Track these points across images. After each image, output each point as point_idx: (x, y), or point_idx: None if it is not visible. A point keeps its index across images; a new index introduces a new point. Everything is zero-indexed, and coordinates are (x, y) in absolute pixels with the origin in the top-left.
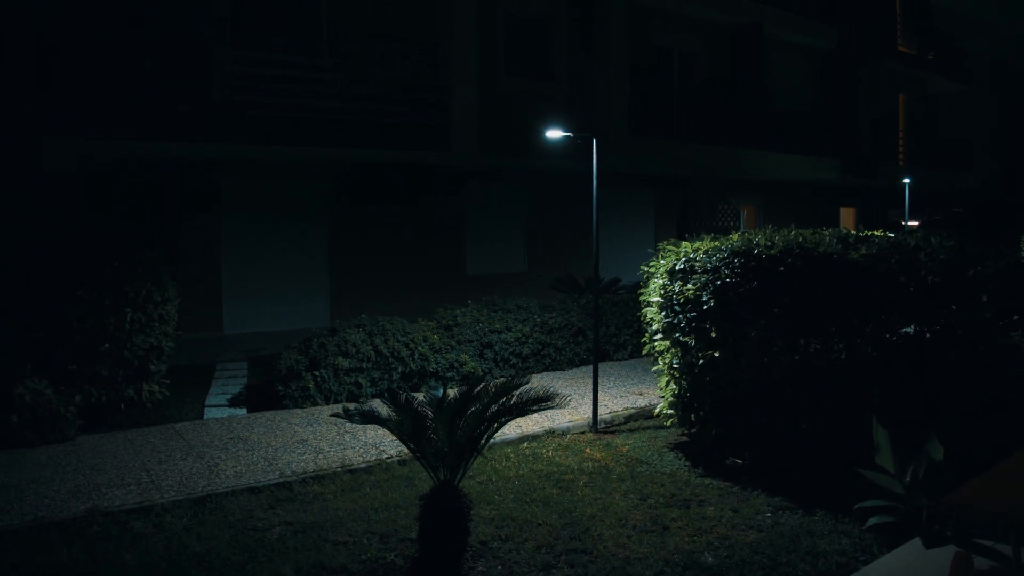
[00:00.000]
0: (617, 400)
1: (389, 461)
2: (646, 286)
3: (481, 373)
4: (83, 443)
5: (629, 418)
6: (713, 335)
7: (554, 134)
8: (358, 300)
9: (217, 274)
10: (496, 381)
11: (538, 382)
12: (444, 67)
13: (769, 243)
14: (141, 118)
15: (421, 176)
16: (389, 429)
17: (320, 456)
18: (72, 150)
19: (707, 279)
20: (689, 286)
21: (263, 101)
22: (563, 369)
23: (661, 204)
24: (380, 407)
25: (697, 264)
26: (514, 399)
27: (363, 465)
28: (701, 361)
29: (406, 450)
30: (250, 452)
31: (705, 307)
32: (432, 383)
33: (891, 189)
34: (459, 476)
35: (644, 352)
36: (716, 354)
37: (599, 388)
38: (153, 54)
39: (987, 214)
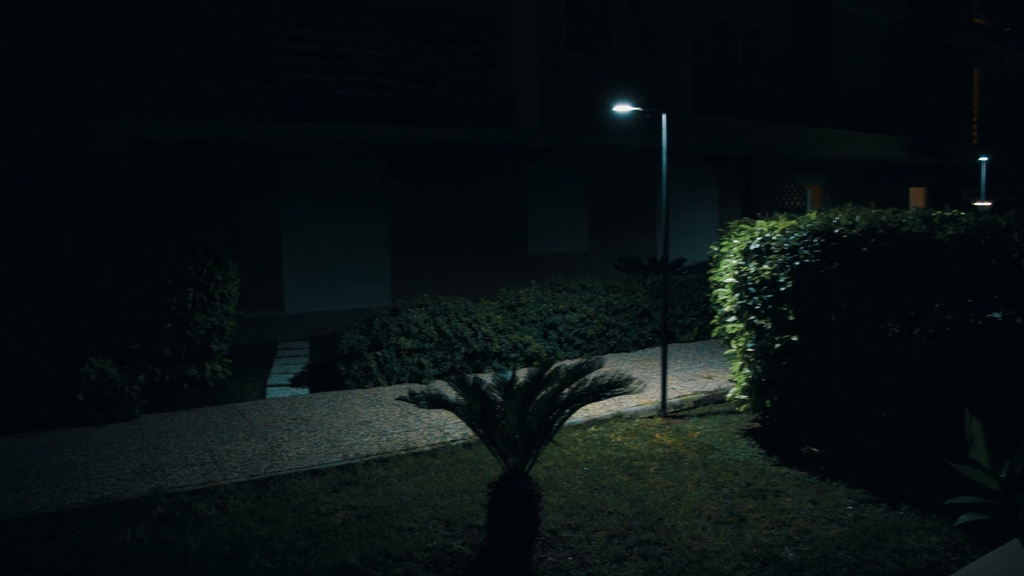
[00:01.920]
0: (685, 384)
1: (454, 444)
2: (716, 266)
3: (545, 354)
4: (147, 422)
5: (698, 402)
6: (791, 318)
7: (622, 108)
8: (419, 280)
9: (277, 254)
10: (566, 364)
11: (606, 365)
12: (503, 44)
13: (850, 222)
14: (198, 98)
15: (481, 155)
16: (457, 414)
17: (384, 438)
18: (128, 134)
19: (784, 259)
20: (765, 267)
21: (320, 79)
22: (628, 351)
23: (725, 184)
24: (445, 389)
25: (773, 244)
26: (588, 384)
27: (428, 448)
28: (777, 345)
29: (471, 433)
30: (312, 433)
31: (782, 289)
32: (496, 364)
33: (962, 168)
34: (529, 463)
35: (713, 335)
36: (794, 338)
37: (595, 361)
38: (210, 32)
39: None
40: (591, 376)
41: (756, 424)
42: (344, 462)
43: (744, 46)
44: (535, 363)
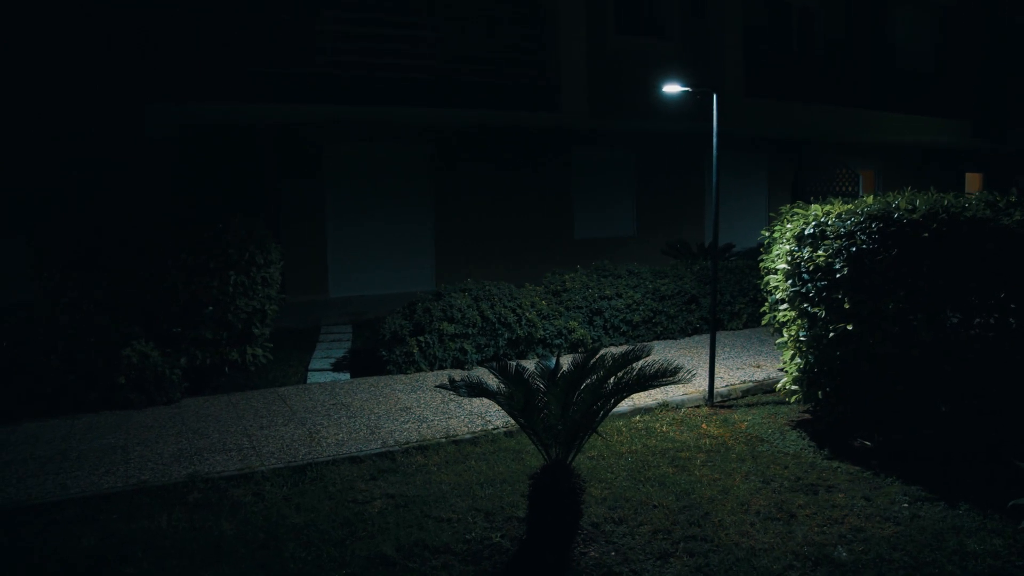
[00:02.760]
0: (733, 372)
1: (495, 432)
2: (768, 252)
3: (590, 341)
4: (187, 406)
5: (746, 392)
6: (846, 306)
7: (671, 88)
8: (463, 264)
9: (322, 237)
10: (612, 351)
11: (653, 352)
12: (551, 25)
13: (910, 206)
14: (243, 80)
15: (526, 139)
16: (498, 403)
17: (424, 425)
18: (176, 117)
19: (840, 245)
20: (820, 252)
21: (365, 62)
22: (675, 338)
23: (774, 169)
24: (487, 376)
25: (829, 229)
26: (635, 373)
27: (468, 436)
28: (831, 334)
29: (513, 421)
30: (352, 419)
31: (838, 275)
32: (540, 350)
33: (1021, 153)
34: (572, 454)
35: (763, 322)
36: (849, 327)
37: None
38: (255, 15)
39: None
40: (638, 364)
41: (806, 415)
42: (383, 449)
43: (797, 27)
44: (579, 350)
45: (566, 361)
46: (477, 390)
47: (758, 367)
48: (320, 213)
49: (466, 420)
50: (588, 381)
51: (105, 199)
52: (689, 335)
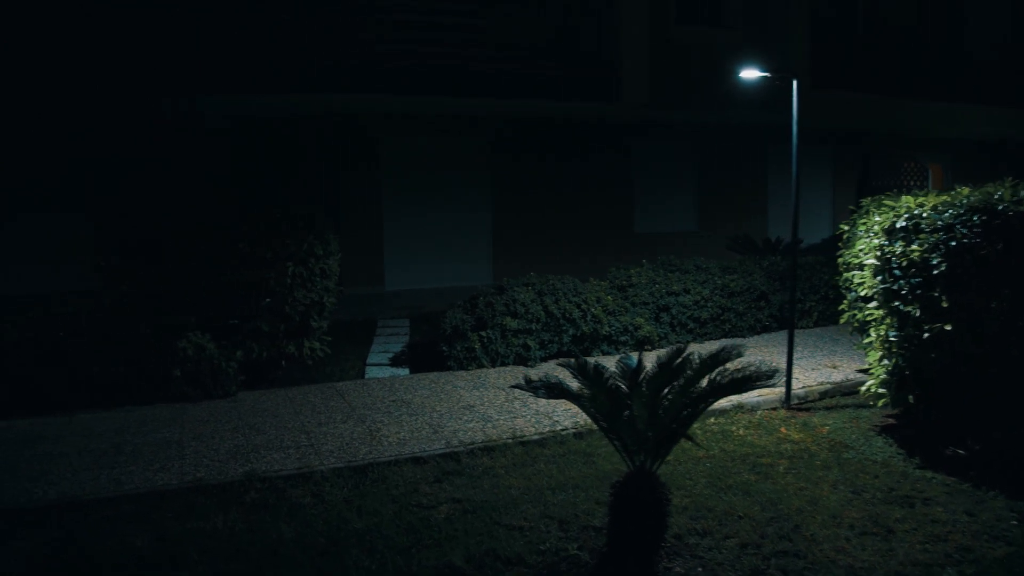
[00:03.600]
0: (808, 373)
1: (564, 433)
2: (848, 246)
3: (657, 338)
4: (243, 399)
5: (824, 394)
6: (944, 304)
7: (749, 74)
8: (521, 258)
9: (379, 230)
10: (700, 351)
11: (718, 348)
12: (612, 16)
13: (1016, 197)
14: (297, 70)
15: (585, 131)
16: (581, 406)
17: (488, 425)
18: (230, 108)
19: (937, 239)
20: (914, 247)
21: (422, 51)
22: (743, 336)
23: (839, 162)
24: (560, 374)
25: (924, 222)
26: (728, 375)
27: (536, 437)
28: (927, 335)
29: (583, 421)
30: (413, 417)
31: (935, 272)
32: (605, 347)
33: None
34: (659, 463)
35: (842, 320)
36: (947, 327)
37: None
38: (308, 5)
39: None
40: (731, 366)
41: (891, 420)
42: (447, 449)
43: (864, 15)
44: (646, 347)
45: (649, 360)
46: (557, 392)
47: (834, 368)
48: (376, 205)
49: (532, 420)
50: (676, 383)
51: (162, 190)
52: (758, 333)
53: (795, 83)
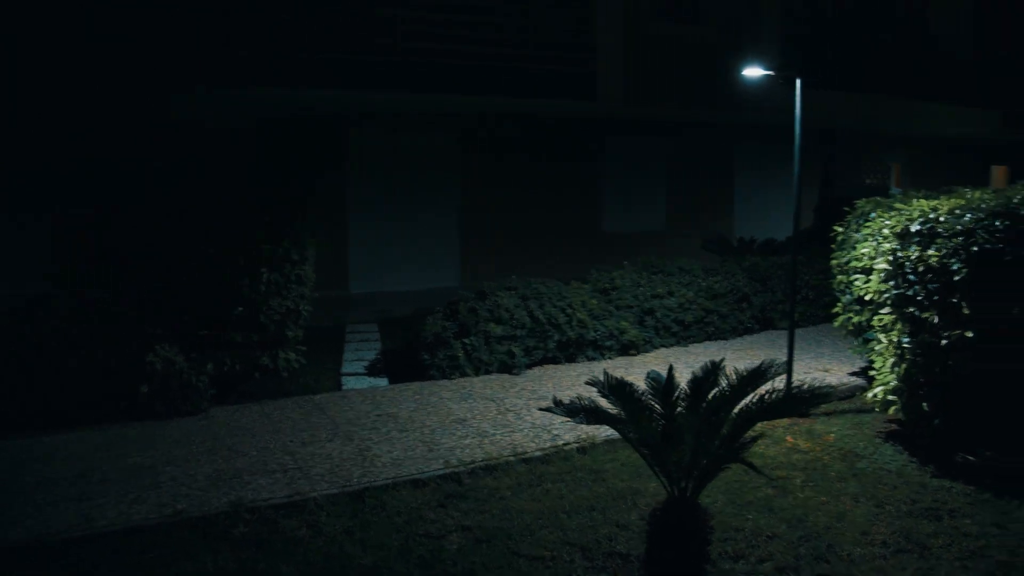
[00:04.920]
0: (802, 377)
1: (567, 448)
2: (843, 249)
3: (642, 342)
4: (216, 416)
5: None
6: (965, 311)
7: (752, 72)
8: (490, 259)
9: (344, 230)
10: (738, 367)
11: (706, 353)
12: (586, 11)
13: None
14: (263, 65)
15: (556, 129)
16: (620, 432)
17: (486, 440)
18: (194, 104)
19: (957, 244)
20: (931, 252)
21: (389, 45)
22: (726, 338)
23: (804, 160)
24: (583, 392)
25: (941, 226)
26: (781, 394)
27: (538, 453)
28: (945, 341)
29: (585, 434)
30: (404, 433)
31: (956, 278)
32: (590, 352)
33: None
34: (702, 489)
35: (836, 324)
36: (968, 334)
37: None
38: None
39: None
40: (767, 383)
41: (893, 426)
42: (446, 470)
43: (832, 14)
44: (630, 352)
45: (683, 377)
46: (597, 416)
47: (826, 371)
48: (341, 204)
49: (531, 434)
50: (720, 403)
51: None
52: (740, 335)
53: (799, 82)
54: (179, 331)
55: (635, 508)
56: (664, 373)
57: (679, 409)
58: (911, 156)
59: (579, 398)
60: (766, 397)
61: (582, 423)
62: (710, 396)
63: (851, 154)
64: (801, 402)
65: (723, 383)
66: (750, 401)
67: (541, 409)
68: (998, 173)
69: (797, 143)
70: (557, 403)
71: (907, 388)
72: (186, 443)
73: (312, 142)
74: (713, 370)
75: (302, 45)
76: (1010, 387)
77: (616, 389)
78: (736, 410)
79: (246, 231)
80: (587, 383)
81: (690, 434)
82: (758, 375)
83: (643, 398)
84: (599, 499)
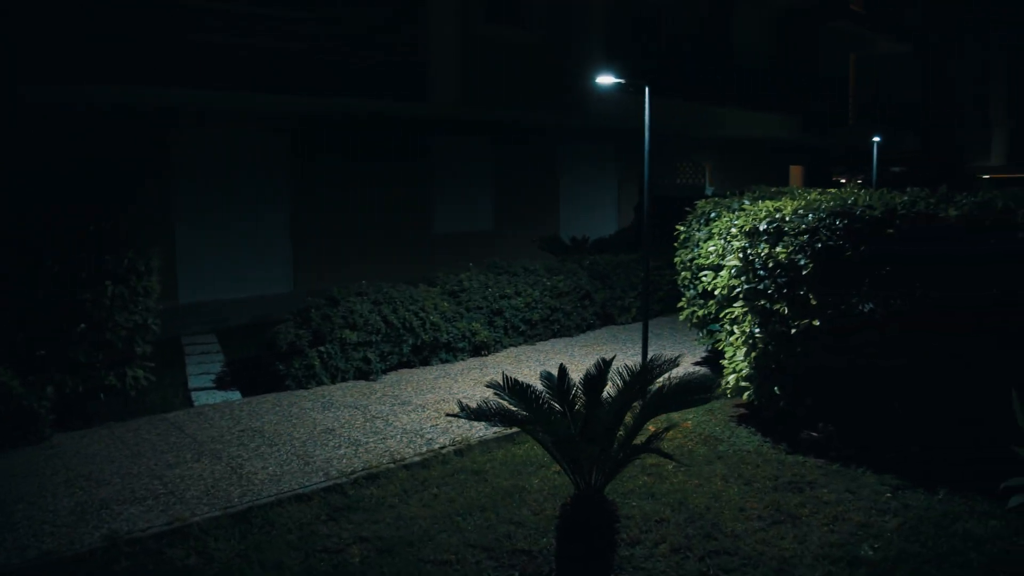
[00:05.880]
0: None
1: (444, 452)
2: (687, 247)
3: (492, 342)
4: (62, 444)
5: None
6: (813, 302)
7: (605, 80)
8: (323, 263)
9: (170, 235)
10: (627, 364)
11: (553, 351)
12: (419, 12)
13: (869, 204)
14: (83, 58)
15: (387, 129)
16: (529, 432)
17: (361, 449)
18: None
19: (802, 241)
20: (780, 249)
21: (207, 40)
22: (571, 335)
23: (623, 161)
24: (481, 394)
25: (788, 225)
26: (670, 388)
27: (417, 459)
28: (794, 331)
29: (459, 437)
30: (274, 448)
31: (803, 272)
32: (443, 355)
33: (827, 149)
34: (610, 482)
35: (682, 317)
36: (815, 322)
37: (615, 356)
38: None
39: (944, 173)
40: (664, 378)
41: (742, 410)
42: (328, 482)
43: (653, 23)
44: (483, 352)
45: (575, 376)
46: (507, 419)
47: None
48: (167, 209)
49: (405, 440)
50: (623, 400)
51: None
52: (584, 331)
53: (647, 90)
54: (14, 352)
55: (525, 505)
56: (554, 372)
57: (578, 407)
58: (722, 157)
59: (486, 402)
60: (663, 390)
61: (496, 426)
62: (614, 392)
63: (667, 155)
64: (697, 391)
65: (617, 379)
66: (655, 396)
67: (449, 415)
68: (795, 171)
69: (647, 147)
70: (463, 408)
71: (759, 374)
72: (35, 476)
73: (128, 143)
74: (604, 368)
75: (92, 36)
76: (849, 369)
77: (516, 391)
78: (639, 403)
79: (86, 241)
80: (486, 385)
81: (601, 429)
82: (649, 370)
83: (543, 397)
84: (488, 499)
